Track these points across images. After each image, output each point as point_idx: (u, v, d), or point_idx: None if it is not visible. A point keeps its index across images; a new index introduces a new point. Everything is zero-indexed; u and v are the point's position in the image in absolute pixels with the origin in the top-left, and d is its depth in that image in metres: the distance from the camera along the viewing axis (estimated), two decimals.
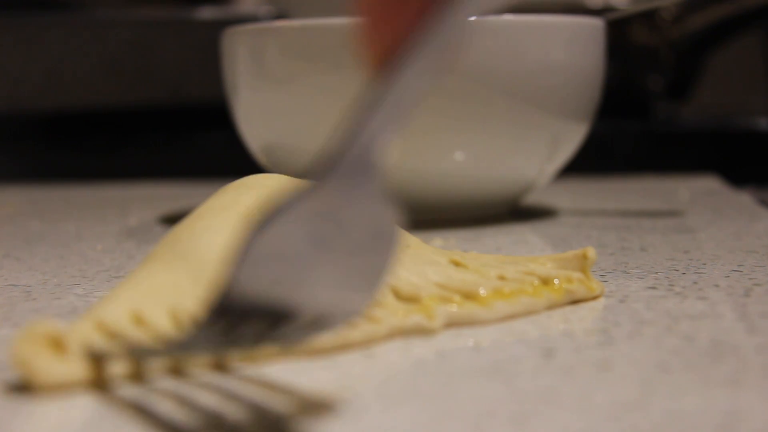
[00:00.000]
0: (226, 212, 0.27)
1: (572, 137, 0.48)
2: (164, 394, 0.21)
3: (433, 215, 0.47)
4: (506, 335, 0.26)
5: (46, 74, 0.78)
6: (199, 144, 0.81)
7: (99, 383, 0.22)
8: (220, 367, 0.23)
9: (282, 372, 0.23)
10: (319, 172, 0.20)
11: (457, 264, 0.29)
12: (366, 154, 0.20)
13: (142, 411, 0.20)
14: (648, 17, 0.77)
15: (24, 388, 0.21)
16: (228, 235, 0.26)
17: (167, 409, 0.20)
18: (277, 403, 0.21)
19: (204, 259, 0.25)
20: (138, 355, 0.22)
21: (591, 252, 0.30)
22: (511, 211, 0.51)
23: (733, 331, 0.26)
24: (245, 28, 0.48)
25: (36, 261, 0.39)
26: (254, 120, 0.49)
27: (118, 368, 0.22)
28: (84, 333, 0.22)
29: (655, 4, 0.76)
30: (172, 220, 0.52)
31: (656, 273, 0.33)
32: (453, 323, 0.26)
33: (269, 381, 0.22)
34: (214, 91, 0.58)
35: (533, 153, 0.47)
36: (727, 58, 0.87)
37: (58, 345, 0.21)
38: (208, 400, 0.21)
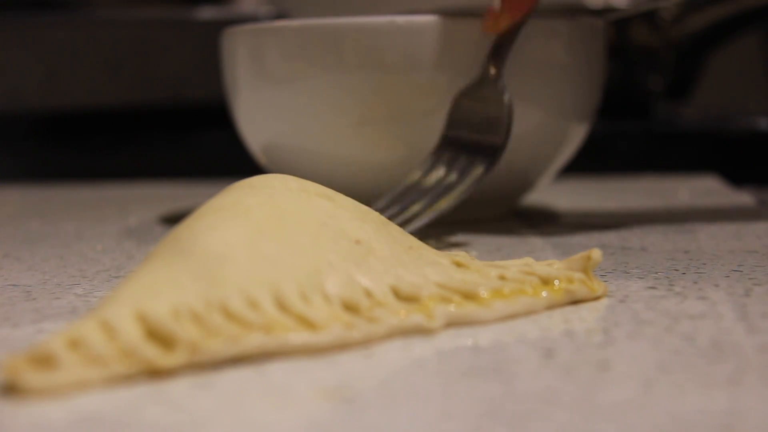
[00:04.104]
0: (228, 211, 0.27)
1: (572, 137, 0.48)
2: (161, 395, 0.21)
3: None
4: (506, 335, 0.26)
5: (46, 74, 0.78)
6: (199, 144, 0.81)
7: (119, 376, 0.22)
8: (217, 366, 0.23)
9: (282, 371, 0.23)
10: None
11: (459, 265, 0.29)
12: None
13: (136, 412, 0.20)
14: (648, 17, 0.77)
15: (22, 389, 0.21)
16: (229, 234, 0.26)
17: (163, 410, 0.20)
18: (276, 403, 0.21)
19: (205, 257, 0.25)
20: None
21: (596, 253, 0.30)
22: (511, 211, 0.51)
23: (733, 331, 0.26)
24: (245, 28, 0.48)
25: (36, 261, 0.39)
26: (254, 120, 0.49)
27: (120, 367, 0.22)
28: (71, 334, 0.22)
29: (655, 4, 0.76)
30: (172, 220, 0.52)
31: (656, 273, 0.33)
32: (453, 323, 0.26)
33: (268, 381, 0.22)
34: (214, 91, 0.58)
35: (533, 153, 0.47)
36: (727, 58, 0.88)
37: (45, 360, 0.21)
38: (206, 399, 0.21)
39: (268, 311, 0.24)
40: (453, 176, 0.40)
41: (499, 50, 0.42)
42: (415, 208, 0.39)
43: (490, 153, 0.40)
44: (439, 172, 0.41)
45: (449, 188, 0.40)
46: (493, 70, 0.42)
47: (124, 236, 0.47)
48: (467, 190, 0.39)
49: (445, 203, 0.39)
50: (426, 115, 0.44)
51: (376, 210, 0.36)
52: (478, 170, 0.40)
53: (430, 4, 0.57)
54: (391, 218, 0.37)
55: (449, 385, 0.22)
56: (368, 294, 0.26)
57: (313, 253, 0.27)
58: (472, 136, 0.41)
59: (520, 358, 0.24)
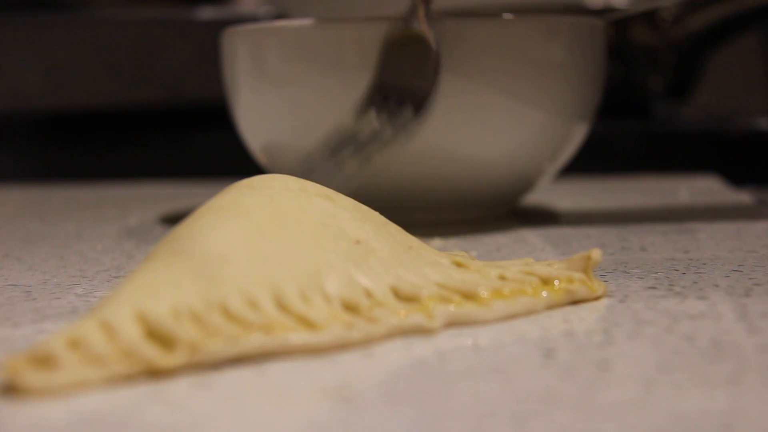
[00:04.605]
0: (228, 212, 0.27)
1: (572, 137, 0.48)
2: (161, 395, 0.21)
3: (433, 215, 0.47)
4: (506, 335, 0.26)
5: (46, 74, 0.78)
6: (199, 144, 0.81)
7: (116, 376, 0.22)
8: (217, 366, 0.23)
9: (282, 371, 0.23)
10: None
11: (459, 265, 0.29)
12: None
13: (136, 412, 0.20)
14: (648, 17, 0.77)
15: (22, 389, 0.21)
16: (229, 234, 0.26)
17: (163, 410, 0.20)
18: (276, 403, 0.21)
19: (205, 258, 0.25)
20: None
21: (596, 253, 0.30)
22: (511, 211, 0.51)
23: (733, 331, 0.26)
24: (245, 28, 0.48)
25: (36, 261, 0.39)
26: (254, 120, 0.49)
27: (121, 366, 0.22)
28: (71, 334, 0.22)
29: (655, 4, 0.76)
30: (172, 220, 0.52)
31: (656, 273, 0.33)
32: (453, 323, 0.26)
33: (268, 381, 0.22)
34: (214, 91, 0.58)
35: (533, 153, 0.47)
36: (727, 58, 0.87)
37: (45, 360, 0.21)
38: (206, 399, 0.21)
39: (268, 311, 0.24)
40: (384, 124, 0.41)
41: None
42: (351, 164, 0.40)
43: (419, 98, 0.41)
44: (371, 120, 0.41)
45: (379, 138, 0.41)
46: (421, 9, 0.42)
47: (124, 236, 0.47)
48: (397, 139, 0.40)
49: (377, 155, 0.40)
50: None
51: (311, 163, 0.37)
52: (407, 117, 0.40)
53: None
54: (328, 175, 0.39)
55: (449, 385, 0.22)
56: (368, 294, 0.26)
57: (313, 253, 0.27)
58: (401, 80, 0.41)
59: (520, 358, 0.24)
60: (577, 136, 0.49)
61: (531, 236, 0.44)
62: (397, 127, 0.40)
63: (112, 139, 0.82)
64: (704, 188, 0.64)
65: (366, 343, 0.25)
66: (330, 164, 0.40)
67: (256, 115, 0.49)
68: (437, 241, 0.41)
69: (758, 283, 0.31)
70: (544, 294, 0.28)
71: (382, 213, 0.31)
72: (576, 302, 0.29)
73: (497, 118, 0.45)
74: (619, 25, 0.75)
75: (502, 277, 0.28)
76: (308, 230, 0.27)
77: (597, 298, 0.29)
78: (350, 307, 0.26)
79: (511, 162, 0.47)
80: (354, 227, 0.28)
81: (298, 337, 0.24)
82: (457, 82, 0.43)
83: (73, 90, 0.79)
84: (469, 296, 0.27)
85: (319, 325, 0.24)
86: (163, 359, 0.22)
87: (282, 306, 0.25)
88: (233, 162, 0.58)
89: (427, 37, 0.41)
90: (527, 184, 0.49)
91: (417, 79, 0.41)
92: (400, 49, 0.42)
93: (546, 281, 0.29)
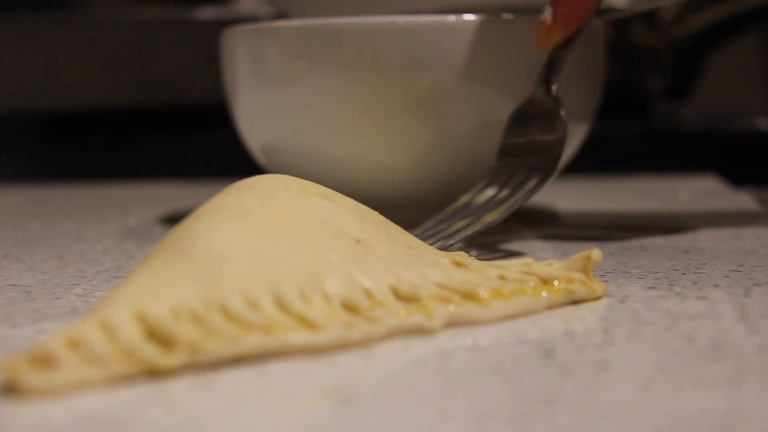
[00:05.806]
0: (228, 212, 0.27)
1: (572, 137, 0.48)
2: (161, 395, 0.21)
3: (433, 215, 0.47)
4: (506, 335, 0.26)
5: (46, 74, 0.78)
6: (199, 144, 0.81)
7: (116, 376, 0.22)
8: (217, 366, 0.23)
9: (282, 371, 0.23)
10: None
11: (459, 265, 0.29)
12: None
13: (136, 412, 0.20)
14: (648, 17, 0.77)
15: (22, 389, 0.21)
16: (228, 234, 0.26)
17: (163, 410, 0.20)
18: (276, 403, 0.21)
19: (204, 258, 0.25)
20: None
21: (595, 254, 0.30)
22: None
23: (733, 331, 0.26)
24: (245, 28, 0.48)
25: (36, 261, 0.39)
26: (254, 120, 0.49)
27: (121, 367, 0.22)
28: (71, 334, 0.22)
29: (655, 4, 0.76)
30: (172, 220, 0.52)
31: (656, 273, 0.33)
32: (453, 323, 0.26)
33: (268, 381, 0.22)
34: (214, 91, 0.58)
35: None
36: (727, 58, 0.88)
37: (45, 360, 0.21)
38: (206, 399, 0.21)
39: (267, 311, 0.24)
40: (504, 193, 0.38)
41: (552, 66, 0.40)
42: (460, 224, 0.37)
43: (545, 171, 0.38)
44: (490, 192, 0.39)
45: (499, 203, 0.38)
46: (546, 89, 0.40)
47: (124, 236, 0.47)
48: (518, 202, 0.37)
49: (492, 216, 0.37)
50: (425, 115, 0.44)
51: (419, 232, 0.35)
52: (530, 187, 0.37)
53: (430, 4, 0.57)
54: (432, 237, 0.36)
55: (449, 385, 0.22)
56: (368, 294, 0.26)
57: (312, 253, 0.27)
58: (528, 153, 0.39)
59: (520, 358, 0.24)
60: (577, 136, 0.49)
61: (531, 236, 0.44)
62: (517, 194, 0.38)
63: (112, 139, 0.82)
64: (704, 188, 0.64)
65: (366, 343, 0.25)
66: (440, 226, 0.37)
67: (256, 115, 0.49)
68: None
69: (758, 283, 0.31)
70: (544, 294, 0.28)
71: (382, 213, 0.31)
72: (576, 302, 0.29)
73: (497, 118, 0.45)
74: (619, 25, 0.75)
75: (502, 277, 0.28)
76: (308, 230, 0.27)
77: (597, 298, 0.29)
78: (350, 307, 0.26)
79: None
80: (354, 227, 0.28)
81: (298, 337, 0.24)
82: (456, 81, 0.43)
83: (73, 90, 0.79)
84: (469, 296, 0.27)
85: (319, 325, 0.24)
86: (163, 359, 0.22)
87: (282, 306, 0.25)
88: (233, 162, 0.58)
89: (556, 108, 0.39)
90: None
91: (544, 150, 0.38)
92: (527, 118, 0.40)
93: (546, 281, 0.29)
